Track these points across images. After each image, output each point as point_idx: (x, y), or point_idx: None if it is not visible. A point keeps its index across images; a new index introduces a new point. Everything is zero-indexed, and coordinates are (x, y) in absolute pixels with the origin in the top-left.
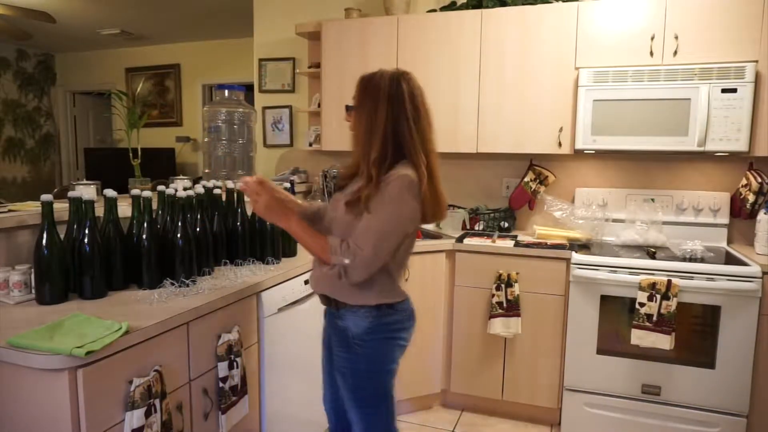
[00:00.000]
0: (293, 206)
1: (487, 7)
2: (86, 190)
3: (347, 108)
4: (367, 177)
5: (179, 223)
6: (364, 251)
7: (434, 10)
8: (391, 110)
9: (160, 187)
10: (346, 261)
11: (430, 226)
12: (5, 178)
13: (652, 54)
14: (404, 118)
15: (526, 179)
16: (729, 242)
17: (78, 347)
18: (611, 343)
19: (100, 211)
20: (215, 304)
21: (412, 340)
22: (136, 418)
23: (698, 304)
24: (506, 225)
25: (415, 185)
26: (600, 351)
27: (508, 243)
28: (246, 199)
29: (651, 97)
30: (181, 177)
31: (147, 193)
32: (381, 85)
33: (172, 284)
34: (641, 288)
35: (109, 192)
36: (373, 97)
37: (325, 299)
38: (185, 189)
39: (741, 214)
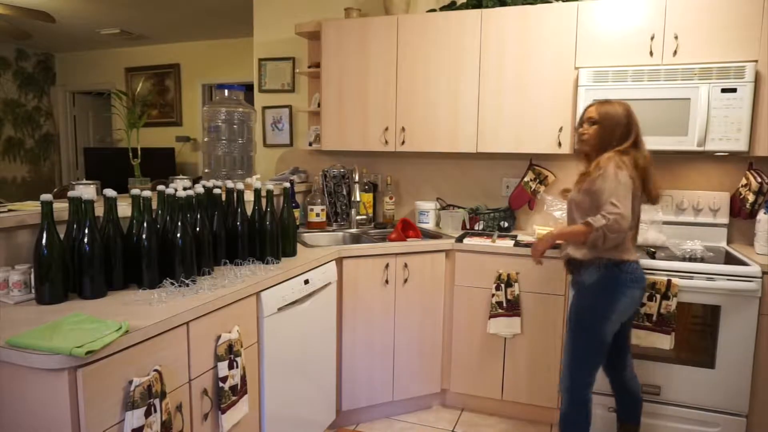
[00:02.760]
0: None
1: (487, 6)
2: (86, 190)
3: (591, 122)
4: (590, 168)
5: (179, 223)
6: (615, 209)
7: (434, 10)
8: (624, 125)
9: (160, 187)
10: (603, 222)
11: (430, 226)
12: (5, 178)
13: (651, 54)
14: (629, 129)
15: (525, 179)
16: (729, 242)
17: (78, 347)
18: None
19: (99, 210)
20: (215, 304)
21: (412, 340)
22: (135, 417)
23: (698, 303)
24: (506, 225)
25: (628, 164)
26: None
27: (508, 243)
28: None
29: (651, 96)
30: (181, 177)
31: (147, 193)
32: (618, 110)
33: (172, 284)
34: None
35: (109, 192)
36: (614, 115)
37: (570, 259)
38: (185, 189)
39: (741, 213)
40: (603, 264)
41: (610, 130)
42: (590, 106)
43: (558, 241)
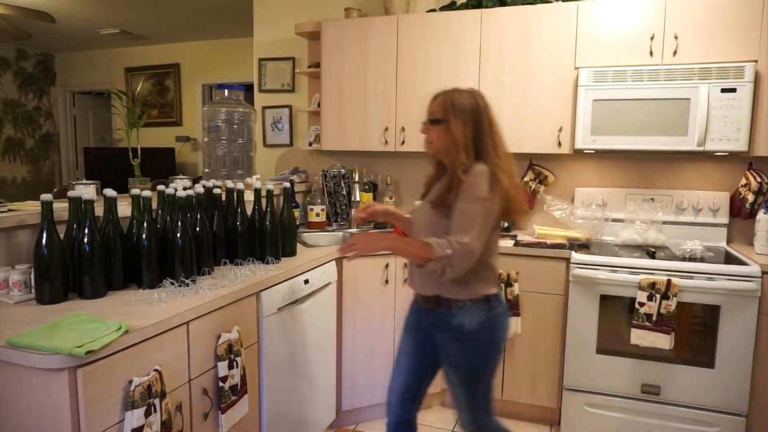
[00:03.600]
0: (401, 219)
1: (487, 6)
2: (86, 190)
3: (430, 122)
4: (454, 180)
5: (179, 223)
6: (464, 240)
7: (434, 10)
8: (474, 123)
9: (160, 187)
10: (449, 251)
11: None
12: (5, 177)
13: (651, 54)
14: (483, 130)
15: (525, 179)
16: (728, 242)
17: (78, 347)
18: (611, 343)
19: (99, 210)
20: (215, 304)
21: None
22: (135, 417)
23: (698, 303)
24: (506, 225)
25: (494, 180)
26: (600, 350)
27: (508, 242)
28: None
29: (650, 96)
30: (181, 177)
31: (147, 193)
32: (464, 102)
33: (172, 284)
34: (641, 287)
35: (109, 192)
36: (460, 113)
37: (435, 301)
38: (185, 189)
39: (740, 213)
40: (482, 301)
41: (459, 130)
42: (434, 98)
43: (385, 252)
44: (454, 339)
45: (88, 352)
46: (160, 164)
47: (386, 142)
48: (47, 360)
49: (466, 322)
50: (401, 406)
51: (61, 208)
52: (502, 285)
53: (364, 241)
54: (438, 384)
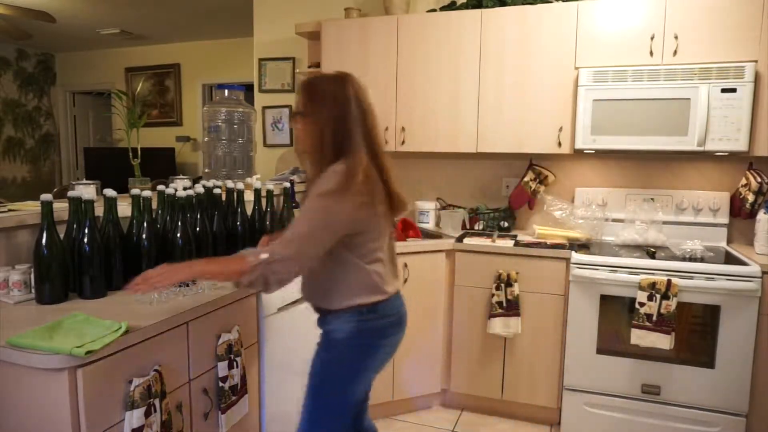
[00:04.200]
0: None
1: (487, 6)
2: (86, 190)
3: (293, 114)
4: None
5: (179, 223)
6: (286, 249)
7: (434, 10)
8: (338, 112)
9: (160, 187)
10: (263, 256)
11: (430, 226)
12: (5, 177)
13: (651, 54)
14: (350, 120)
15: (525, 179)
16: (729, 242)
17: (78, 347)
18: (611, 343)
19: (99, 210)
20: (215, 304)
21: (412, 340)
22: (135, 417)
23: (698, 303)
24: (506, 225)
25: (349, 180)
26: (600, 351)
27: (508, 243)
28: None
29: (651, 96)
30: (181, 177)
31: (147, 193)
32: (326, 89)
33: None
34: (641, 288)
35: (109, 192)
36: (320, 102)
37: (317, 309)
38: (185, 189)
39: (741, 213)
40: (355, 312)
41: (319, 123)
42: (300, 85)
43: (197, 279)
44: (322, 347)
45: (88, 352)
46: (160, 164)
47: (386, 142)
48: (47, 360)
49: (334, 332)
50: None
51: (61, 208)
52: (502, 285)
53: (158, 274)
54: (437, 384)
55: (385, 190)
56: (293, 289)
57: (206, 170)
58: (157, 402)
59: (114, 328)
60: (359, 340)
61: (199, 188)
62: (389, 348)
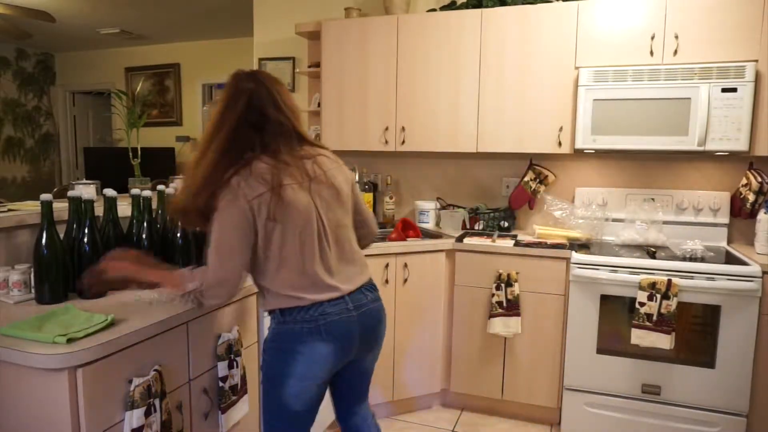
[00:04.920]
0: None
1: (487, 6)
2: (86, 190)
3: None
4: None
5: (179, 223)
6: (206, 271)
7: (434, 10)
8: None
9: (160, 187)
10: (191, 286)
11: (430, 226)
12: (5, 177)
13: (652, 53)
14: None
15: (526, 179)
16: (729, 242)
17: (61, 335)
18: (611, 343)
19: (99, 210)
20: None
21: (412, 340)
22: (135, 417)
23: (698, 303)
24: (506, 224)
25: (231, 189)
26: (600, 350)
27: (508, 242)
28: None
29: (651, 96)
30: (181, 176)
31: (147, 193)
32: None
33: None
34: (641, 287)
35: (109, 191)
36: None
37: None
38: None
39: (741, 213)
40: (275, 315)
41: (215, 116)
42: None
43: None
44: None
45: (69, 340)
46: (160, 164)
47: (386, 141)
48: (47, 360)
49: (268, 331)
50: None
51: (61, 208)
52: (502, 285)
53: (104, 264)
54: (437, 384)
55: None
56: None
57: None
58: (157, 402)
59: (101, 320)
60: (276, 343)
61: None
62: (311, 357)
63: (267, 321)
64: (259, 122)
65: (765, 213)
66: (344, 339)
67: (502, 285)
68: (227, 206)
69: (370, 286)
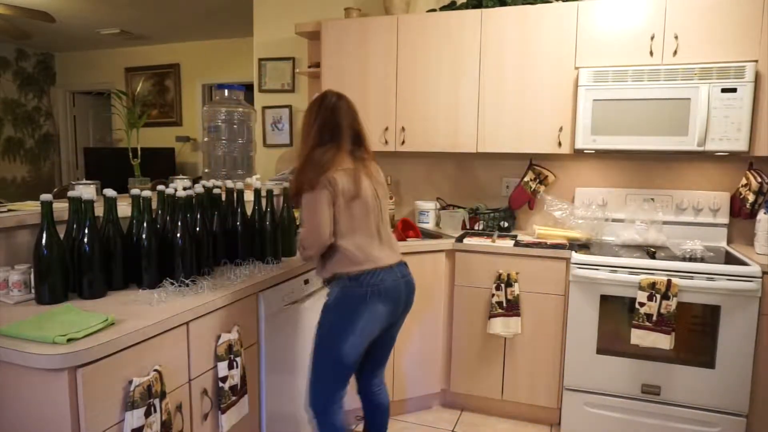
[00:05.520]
0: None
1: (487, 6)
2: (86, 190)
3: None
4: None
5: (179, 223)
6: (300, 233)
7: (434, 10)
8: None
9: (160, 187)
10: (298, 239)
11: (430, 226)
12: (5, 177)
13: (652, 54)
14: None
15: (525, 179)
16: (729, 242)
17: (61, 335)
18: (611, 343)
19: (99, 210)
20: (215, 304)
21: (412, 340)
22: (135, 417)
23: (698, 303)
24: (506, 225)
25: (321, 165)
26: (600, 351)
27: (508, 243)
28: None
29: (651, 96)
30: (181, 177)
31: (147, 193)
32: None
33: (172, 284)
34: (641, 288)
35: (109, 192)
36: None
37: (321, 280)
38: (185, 189)
39: (741, 213)
40: (340, 279)
41: (306, 124)
42: None
43: None
44: (323, 308)
45: (69, 340)
46: (160, 164)
47: (386, 142)
48: (47, 360)
49: (328, 296)
50: (356, 381)
51: (61, 208)
52: (502, 285)
53: None
54: (437, 384)
55: (364, 175)
56: (293, 289)
57: (206, 170)
58: (157, 402)
59: (100, 320)
60: (343, 304)
61: (199, 188)
62: (373, 315)
63: (269, 321)
64: (336, 128)
65: (765, 213)
66: (396, 301)
67: (502, 285)
68: (319, 189)
69: (404, 263)
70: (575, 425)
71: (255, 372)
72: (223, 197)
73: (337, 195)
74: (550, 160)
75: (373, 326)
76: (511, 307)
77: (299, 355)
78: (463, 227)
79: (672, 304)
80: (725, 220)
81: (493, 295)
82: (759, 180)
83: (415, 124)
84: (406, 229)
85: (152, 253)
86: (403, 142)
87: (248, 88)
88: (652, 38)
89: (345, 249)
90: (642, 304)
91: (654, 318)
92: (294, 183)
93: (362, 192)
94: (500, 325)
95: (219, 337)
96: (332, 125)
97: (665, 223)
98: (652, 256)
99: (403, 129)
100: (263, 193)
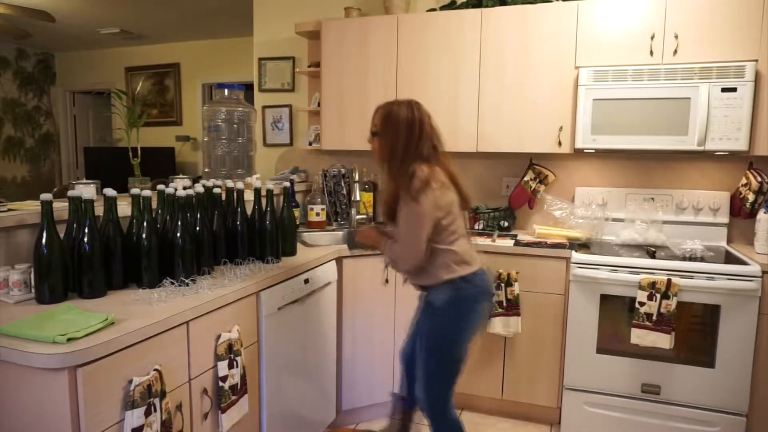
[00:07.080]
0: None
1: (487, 6)
2: (86, 190)
3: (372, 134)
4: (396, 187)
5: (179, 223)
6: (394, 248)
7: (434, 9)
8: (408, 132)
9: (160, 187)
10: (389, 254)
11: None
12: (5, 177)
13: (652, 53)
14: (420, 137)
15: (525, 178)
16: (729, 241)
17: (61, 335)
18: (611, 343)
19: (99, 210)
20: (215, 304)
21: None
22: (135, 417)
23: (698, 303)
24: (506, 224)
25: (423, 179)
26: (600, 350)
27: (508, 242)
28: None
29: (651, 96)
30: (181, 176)
31: (147, 193)
32: (400, 114)
33: (172, 283)
34: (641, 287)
35: (109, 191)
36: (393, 125)
37: (419, 287)
38: (185, 188)
39: (741, 213)
40: (450, 283)
41: (393, 138)
42: (376, 111)
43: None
44: (426, 314)
45: (69, 340)
46: (160, 164)
47: None
48: (47, 360)
49: (435, 300)
50: (407, 365)
51: (61, 207)
52: (502, 284)
53: (364, 234)
54: None
55: (452, 183)
56: (293, 288)
57: (206, 170)
58: (157, 401)
59: (100, 319)
60: (457, 306)
61: (199, 188)
62: (483, 313)
63: (269, 321)
64: (419, 139)
65: (765, 213)
66: (491, 300)
67: (502, 285)
68: (424, 193)
69: None
70: (575, 425)
71: (255, 371)
72: (223, 197)
73: (440, 207)
74: (550, 159)
75: (480, 323)
76: (511, 307)
77: (299, 354)
78: None
79: (672, 303)
80: (725, 219)
81: (493, 294)
82: (759, 179)
83: None
84: None
85: (152, 252)
86: None
87: (248, 87)
88: (652, 38)
89: (453, 253)
90: (642, 304)
91: (654, 317)
92: (391, 195)
93: (455, 197)
94: (500, 325)
95: (219, 336)
96: (423, 137)
97: (665, 222)
98: (652, 255)
99: None
100: (263, 193)
